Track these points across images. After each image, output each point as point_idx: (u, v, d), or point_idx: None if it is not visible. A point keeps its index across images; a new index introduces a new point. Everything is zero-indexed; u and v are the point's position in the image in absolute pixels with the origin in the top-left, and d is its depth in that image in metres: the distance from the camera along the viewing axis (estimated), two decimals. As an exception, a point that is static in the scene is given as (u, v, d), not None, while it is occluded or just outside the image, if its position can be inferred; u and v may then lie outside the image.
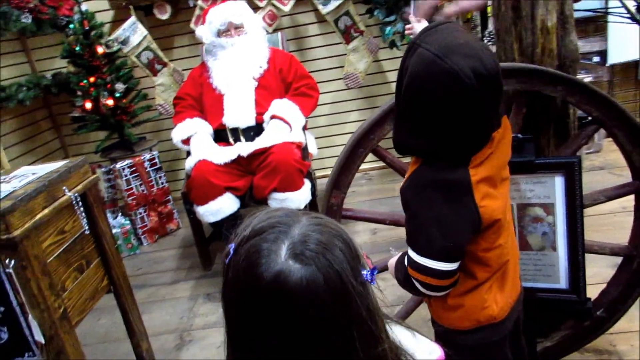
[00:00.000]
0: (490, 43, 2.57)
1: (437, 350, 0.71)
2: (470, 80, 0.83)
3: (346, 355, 0.56)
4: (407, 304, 1.57)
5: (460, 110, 0.87)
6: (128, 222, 3.00)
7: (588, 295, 1.25)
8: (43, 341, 1.22)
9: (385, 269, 1.22)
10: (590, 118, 1.33)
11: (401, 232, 1.68)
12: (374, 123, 1.40)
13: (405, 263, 0.99)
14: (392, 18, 2.89)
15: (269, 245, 0.57)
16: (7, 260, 1.15)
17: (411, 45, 0.92)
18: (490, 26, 2.76)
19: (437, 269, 0.95)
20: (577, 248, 1.17)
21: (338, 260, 0.56)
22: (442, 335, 1.09)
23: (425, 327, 1.85)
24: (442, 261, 0.95)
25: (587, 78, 3.14)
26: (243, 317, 0.58)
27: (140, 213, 3.04)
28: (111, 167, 3.02)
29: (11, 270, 1.16)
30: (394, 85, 3.58)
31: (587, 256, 1.35)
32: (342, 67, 3.26)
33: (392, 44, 2.99)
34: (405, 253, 1.01)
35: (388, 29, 2.91)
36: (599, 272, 1.75)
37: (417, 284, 0.98)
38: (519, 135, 1.19)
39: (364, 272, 0.59)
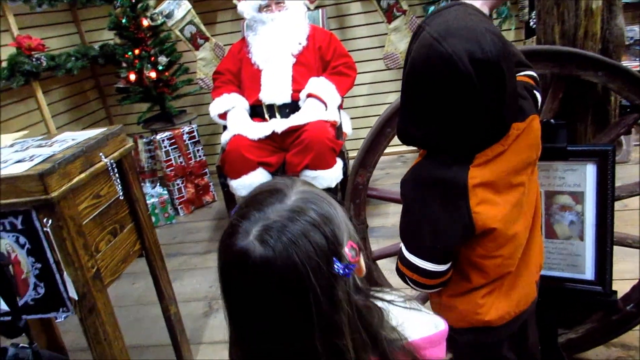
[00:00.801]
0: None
1: (441, 324, 0.71)
2: (464, 65, 0.79)
3: (303, 340, 0.59)
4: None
5: (458, 98, 0.82)
6: (166, 192, 3.09)
7: (618, 290, 1.21)
8: (76, 298, 1.29)
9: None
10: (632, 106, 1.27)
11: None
12: (404, 103, 1.38)
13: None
14: (435, -3, 2.82)
15: (246, 223, 0.61)
16: (45, 220, 1.22)
17: (417, 29, 0.89)
18: (539, 8, 2.66)
19: (424, 268, 0.94)
20: (606, 239, 1.13)
21: (301, 252, 0.58)
22: None
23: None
24: (429, 261, 0.93)
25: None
26: (222, 283, 0.64)
27: (178, 184, 3.13)
28: (152, 138, 3.12)
29: (49, 230, 1.22)
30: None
31: (621, 251, 1.31)
32: (383, 46, 3.21)
33: (435, 24, 2.92)
34: None
35: (431, 8, 2.84)
36: (633, 268, 1.69)
37: (405, 278, 0.98)
38: (552, 120, 1.15)
39: (337, 265, 0.60)
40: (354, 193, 1.50)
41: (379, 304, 0.69)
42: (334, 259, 0.60)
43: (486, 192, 0.88)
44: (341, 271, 0.60)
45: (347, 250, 0.62)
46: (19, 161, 1.27)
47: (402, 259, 0.96)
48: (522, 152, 0.92)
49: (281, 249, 0.58)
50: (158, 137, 3.04)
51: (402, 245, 0.97)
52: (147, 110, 3.25)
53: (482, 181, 0.87)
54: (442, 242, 0.91)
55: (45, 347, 1.80)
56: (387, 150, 1.52)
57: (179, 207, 3.16)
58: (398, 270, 1.00)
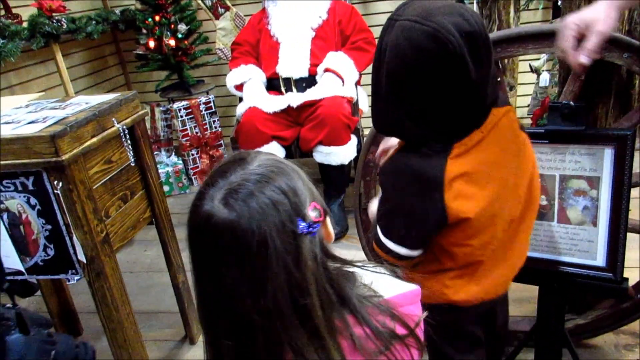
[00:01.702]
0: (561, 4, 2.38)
1: (413, 285, 0.74)
2: (454, 37, 0.77)
3: (269, 300, 0.61)
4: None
5: (447, 74, 0.80)
6: (181, 162, 3.11)
7: (629, 277, 1.19)
8: (85, 261, 1.31)
9: None
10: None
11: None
12: (421, 80, 1.35)
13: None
14: (462, -27, 2.73)
15: (211, 190, 0.63)
16: (55, 182, 1.23)
17: (388, 23, 0.86)
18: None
19: (396, 251, 0.97)
20: (620, 226, 1.10)
21: (264, 212, 0.60)
22: None
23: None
24: (402, 246, 0.96)
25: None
26: (190, 249, 0.66)
27: (193, 154, 3.14)
28: (168, 106, 3.12)
29: (59, 192, 1.24)
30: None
31: (633, 238, 1.27)
32: (405, 22, 3.14)
33: (461, 1, 2.83)
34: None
35: (456, -16, 2.76)
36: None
37: (380, 258, 1.00)
38: (571, 102, 1.11)
39: (301, 225, 0.62)
40: (365, 170, 1.48)
41: (351, 269, 0.71)
42: (298, 218, 0.62)
43: (463, 184, 0.88)
44: (305, 230, 0.62)
45: (310, 211, 0.64)
46: (32, 122, 1.28)
47: (377, 241, 1.00)
48: (501, 141, 0.91)
49: (244, 210, 0.60)
50: (175, 106, 3.04)
51: (377, 228, 0.99)
52: (165, 79, 3.24)
53: (459, 173, 0.87)
54: (416, 231, 0.94)
55: (56, 308, 1.85)
56: (401, 127, 1.49)
57: (193, 177, 3.18)
58: (372, 250, 1.03)
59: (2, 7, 2.48)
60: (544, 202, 1.18)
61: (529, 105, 2.88)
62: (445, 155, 0.88)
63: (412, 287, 0.73)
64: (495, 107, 0.90)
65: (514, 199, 0.96)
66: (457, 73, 0.80)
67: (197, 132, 3.13)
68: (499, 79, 0.96)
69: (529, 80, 3.03)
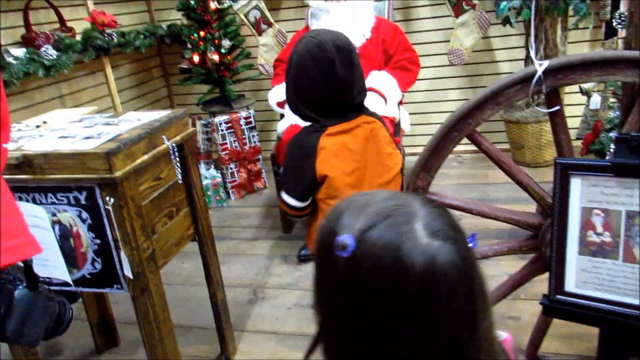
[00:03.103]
0: (619, 26, 2.31)
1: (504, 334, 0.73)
2: (330, 47, 1.38)
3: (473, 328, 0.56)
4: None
5: (324, 69, 1.38)
6: (219, 175, 3.13)
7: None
8: (131, 277, 1.31)
9: None
10: None
11: (487, 222, 1.60)
12: (474, 106, 1.32)
13: None
14: (510, -7, 2.68)
15: (403, 228, 0.53)
16: (107, 198, 1.24)
17: (300, 40, 1.48)
18: (622, 7, 2.48)
19: (290, 203, 1.50)
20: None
21: (463, 233, 0.55)
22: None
23: (501, 324, 1.77)
24: (293, 198, 1.49)
25: None
26: (369, 306, 0.54)
27: (231, 168, 3.16)
28: (209, 120, 3.16)
29: (110, 208, 1.25)
30: (500, 65, 3.39)
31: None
32: (447, 41, 3.11)
33: (506, 21, 2.79)
34: None
35: (503, 4, 2.71)
36: None
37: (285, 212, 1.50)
38: (636, 134, 1.06)
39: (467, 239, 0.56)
40: (413, 195, 1.45)
41: None
42: None
43: (327, 154, 1.43)
44: (475, 244, 0.69)
45: None
46: (87, 137, 1.30)
47: (280, 197, 1.53)
48: (360, 140, 1.46)
49: (457, 237, 0.56)
50: (216, 119, 3.08)
51: (282, 188, 1.52)
52: (207, 92, 3.29)
53: (325, 146, 1.43)
54: (301, 185, 1.46)
55: (95, 317, 1.87)
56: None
57: (230, 190, 3.20)
58: (280, 207, 1.53)
59: (57, 20, 2.56)
60: (608, 239, 1.12)
61: (577, 128, 2.79)
62: (320, 134, 1.45)
63: (504, 335, 0.73)
64: (365, 114, 1.51)
65: (370, 183, 1.48)
66: (330, 69, 1.39)
67: (236, 147, 3.15)
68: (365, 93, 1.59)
69: (577, 101, 2.95)
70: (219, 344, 1.79)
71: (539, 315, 1.47)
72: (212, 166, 3.24)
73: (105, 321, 1.90)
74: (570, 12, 2.74)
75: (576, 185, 1.17)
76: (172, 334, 1.46)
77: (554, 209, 1.22)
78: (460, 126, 1.33)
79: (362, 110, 1.49)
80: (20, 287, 0.85)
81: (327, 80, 1.39)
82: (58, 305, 0.93)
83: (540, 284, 1.57)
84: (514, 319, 1.82)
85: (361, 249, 0.54)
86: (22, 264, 0.84)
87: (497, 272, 2.10)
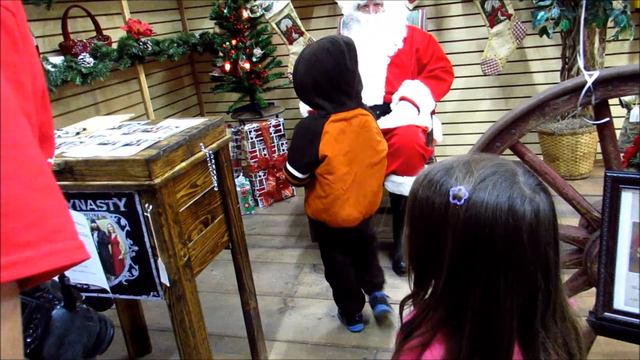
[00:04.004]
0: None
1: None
2: (341, 41, 1.65)
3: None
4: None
5: (335, 60, 1.63)
6: (248, 182, 3.14)
7: None
8: (168, 284, 1.31)
9: None
10: None
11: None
12: (519, 116, 1.29)
13: None
14: (547, 2, 2.63)
15: (510, 181, 0.65)
16: (146, 205, 1.24)
17: (309, 43, 1.96)
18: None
19: (292, 173, 1.75)
20: None
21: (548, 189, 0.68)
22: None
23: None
24: (295, 169, 1.74)
25: None
26: (481, 249, 0.64)
27: (260, 176, 3.17)
28: (239, 128, 3.17)
29: (149, 215, 1.25)
30: (535, 75, 3.32)
31: None
32: (480, 51, 3.07)
33: (543, 31, 2.73)
34: None
35: (541, 14, 2.66)
36: None
37: (287, 179, 1.81)
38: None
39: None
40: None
41: None
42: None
43: (329, 138, 1.68)
44: None
45: None
46: (127, 144, 1.31)
47: (285, 168, 1.79)
48: (355, 128, 1.72)
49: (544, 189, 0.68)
50: (246, 127, 3.09)
51: (286, 162, 1.78)
52: (237, 100, 3.31)
53: (328, 131, 1.68)
54: (305, 161, 1.72)
55: (128, 324, 1.87)
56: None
57: (259, 198, 3.20)
58: (283, 174, 1.87)
59: (94, 28, 2.61)
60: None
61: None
62: (325, 120, 1.69)
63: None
64: (362, 108, 1.75)
65: (360, 163, 1.75)
66: (342, 59, 1.63)
67: (265, 154, 3.15)
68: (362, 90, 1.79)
69: (616, 114, 2.87)
70: (251, 353, 1.78)
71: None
72: (241, 174, 3.24)
73: (138, 328, 1.90)
74: (610, 24, 2.67)
75: (627, 199, 1.13)
76: (207, 343, 1.45)
77: (603, 223, 1.18)
78: (503, 137, 1.30)
79: (360, 104, 1.75)
80: (58, 306, 0.84)
81: (339, 68, 1.63)
82: (99, 324, 0.92)
83: (580, 299, 1.52)
84: (552, 337, 1.76)
85: (474, 199, 0.64)
86: (58, 281, 0.84)
87: (533, 287, 2.05)
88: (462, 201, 0.64)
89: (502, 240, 0.62)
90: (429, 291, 0.71)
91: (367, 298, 1.98)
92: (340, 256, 1.87)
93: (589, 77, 1.16)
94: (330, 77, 1.64)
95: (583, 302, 1.50)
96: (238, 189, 3.07)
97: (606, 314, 1.19)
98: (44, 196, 0.43)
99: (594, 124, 1.25)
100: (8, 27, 0.45)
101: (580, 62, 1.54)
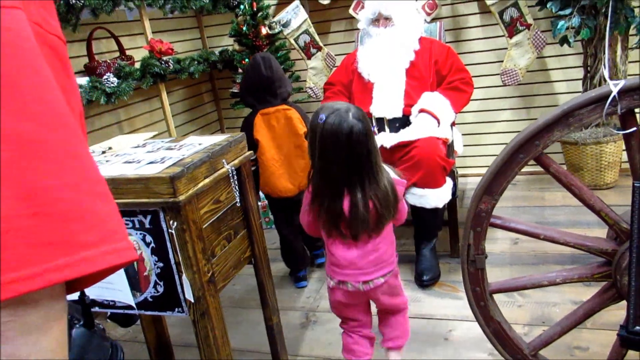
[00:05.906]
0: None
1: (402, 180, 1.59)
2: (258, 57, 2.26)
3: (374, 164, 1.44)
4: (552, 328, 1.43)
5: (254, 70, 2.24)
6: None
7: None
8: (192, 300, 1.31)
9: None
10: None
11: (546, 246, 1.53)
12: (543, 127, 1.27)
13: None
14: (567, 11, 2.61)
15: (343, 114, 1.39)
16: (170, 222, 1.26)
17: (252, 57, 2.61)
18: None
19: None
20: None
21: (367, 120, 1.43)
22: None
23: (567, 354, 1.68)
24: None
25: None
26: (326, 150, 1.40)
27: (281, 190, 3.17)
28: (259, 143, 3.19)
29: (173, 231, 1.26)
30: (556, 85, 3.29)
31: None
32: (499, 62, 3.05)
33: (564, 40, 2.71)
34: None
35: (561, 23, 2.64)
36: None
37: None
38: None
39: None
40: (476, 220, 1.40)
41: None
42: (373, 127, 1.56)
43: (260, 126, 2.24)
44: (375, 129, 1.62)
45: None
46: (151, 162, 1.33)
47: None
48: (280, 120, 2.25)
49: (363, 119, 1.42)
50: (266, 142, 3.11)
51: None
52: (257, 116, 3.33)
53: (257, 122, 2.24)
54: (249, 144, 1.72)
55: (153, 340, 1.88)
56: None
57: (279, 212, 3.20)
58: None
59: (117, 49, 2.67)
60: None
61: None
62: (256, 114, 2.25)
63: (401, 181, 1.57)
64: (285, 104, 2.27)
65: (288, 146, 2.27)
66: (257, 70, 2.23)
67: (285, 169, 3.16)
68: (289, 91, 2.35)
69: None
70: (273, 369, 1.77)
71: (612, 346, 1.39)
72: (262, 188, 3.26)
73: (162, 344, 1.91)
74: (632, 31, 2.64)
75: (657, 210, 1.10)
76: (231, 358, 1.45)
77: (632, 234, 1.15)
78: (527, 148, 1.29)
79: (284, 101, 2.28)
80: (77, 325, 0.86)
81: (258, 76, 2.24)
82: (110, 347, 0.94)
83: (607, 312, 1.48)
84: (581, 349, 1.72)
85: (327, 120, 1.38)
86: (78, 300, 0.85)
87: (560, 299, 2.01)
88: (322, 121, 1.38)
89: (337, 141, 1.37)
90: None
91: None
92: (287, 228, 2.44)
93: (614, 87, 1.15)
94: (253, 83, 2.27)
95: (613, 316, 1.46)
96: (258, 204, 3.08)
97: (638, 327, 1.16)
98: (102, 201, 0.46)
99: (620, 134, 1.23)
100: (59, 54, 0.50)
101: (605, 72, 1.52)
